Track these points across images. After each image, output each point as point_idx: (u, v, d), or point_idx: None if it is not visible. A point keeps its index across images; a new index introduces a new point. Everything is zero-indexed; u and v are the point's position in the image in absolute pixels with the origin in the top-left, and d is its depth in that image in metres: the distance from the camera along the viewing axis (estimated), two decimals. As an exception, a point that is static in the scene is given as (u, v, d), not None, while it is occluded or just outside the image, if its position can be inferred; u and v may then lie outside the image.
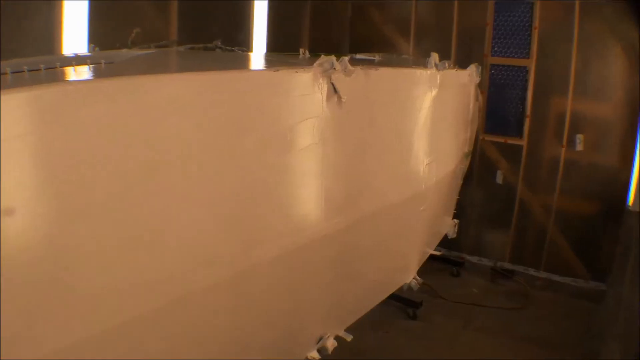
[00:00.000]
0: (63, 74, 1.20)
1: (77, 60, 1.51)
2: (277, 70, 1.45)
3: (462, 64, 3.43)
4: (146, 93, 1.10)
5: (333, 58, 1.67)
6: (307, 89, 1.59)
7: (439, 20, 5.40)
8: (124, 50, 2.26)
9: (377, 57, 2.78)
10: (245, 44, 4.54)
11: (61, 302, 1.07)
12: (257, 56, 2.72)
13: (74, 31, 3.49)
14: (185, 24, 4.02)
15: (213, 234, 1.34)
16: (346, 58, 1.72)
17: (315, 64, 1.63)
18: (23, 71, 1.18)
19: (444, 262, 5.00)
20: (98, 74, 1.25)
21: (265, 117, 1.46)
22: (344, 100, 1.71)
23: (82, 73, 1.25)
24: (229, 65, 1.83)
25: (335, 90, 1.69)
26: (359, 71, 1.78)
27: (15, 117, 0.90)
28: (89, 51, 2.77)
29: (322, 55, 1.67)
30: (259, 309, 1.63)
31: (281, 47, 4.80)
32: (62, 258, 1.03)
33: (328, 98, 1.68)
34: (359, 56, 3.04)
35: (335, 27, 5.65)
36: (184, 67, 1.77)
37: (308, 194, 1.71)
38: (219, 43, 3.59)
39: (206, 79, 1.28)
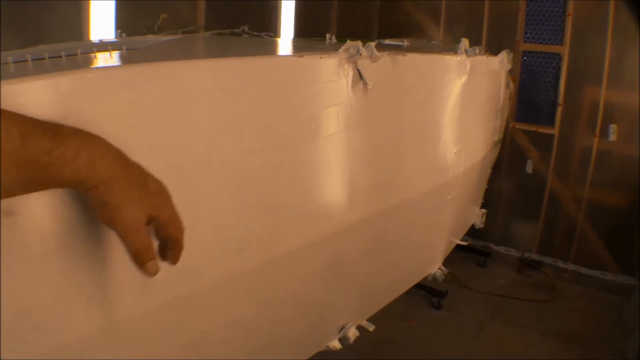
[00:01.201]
0: (84, 60, 1.19)
1: (100, 47, 1.50)
2: (302, 56, 1.42)
3: (493, 50, 3.34)
4: (169, 80, 1.08)
5: (359, 43, 1.63)
6: (332, 75, 1.55)
7: (471, 5, 5.28)
8: (150, 36, 2.26)
9: (405, 43, 2.72)
10: (273, 29, 4.51)
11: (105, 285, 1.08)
12: (284, 42, 2.68)
13: (102, 18, 3.52)
14: (212, 10, 4.01)
15: (241, 222, 1.33)
16: (373, 44, 1.68)
17: (340, 50, 1.59)
18: (44, 58, 1.17)
19: (470, 252, 4.94)
20: (119, 60, 1.24)
21: (290, 103, 1.44)
22: (369, 87, 1.67)
23: (104, 60, 1.24)
24: (252, 51, 1.80)
25: (361, 77, 1.65)
26: (385, 57, 1.74)
27: (33, 106, 0.88)
28: (116, 37, 2.77)
29: (348, 41, 1.62)
30: (284, 298, 1.63)
31: (309, 32, 4.76)
32: (100, 241, 1.03)
33: (354, 85, 1.65)
34: (387, 42, 2.98)
35: (364, 12, 5.58)
36: (208, 53, 1.75)
37: (333, 182, 1.68)
38: (247, 28, 3.57)
39: (229, 65, 1.26)
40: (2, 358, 0.89)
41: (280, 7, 4.62)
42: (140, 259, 0.89)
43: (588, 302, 4.59)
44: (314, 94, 1.49)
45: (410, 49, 2.43)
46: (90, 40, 2.31)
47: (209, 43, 2.10)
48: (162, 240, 0.97)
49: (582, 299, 4.65)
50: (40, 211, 0.90)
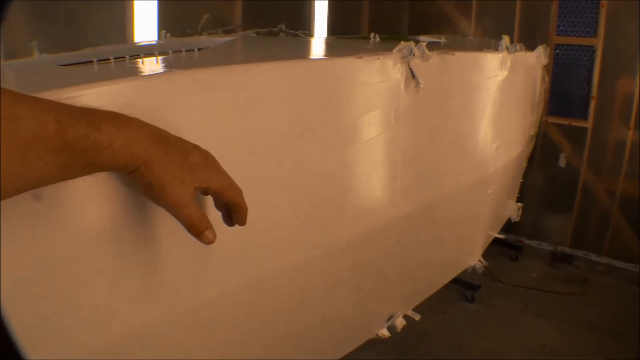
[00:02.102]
0: (165, 61, 1.28)
1: (168, 48, 1.59)
2: (361, 57, 1.49)
3: (525, 43, 3.35)
4: (243, 81, 1.16)
5: (412, 44, 1.69)
6: (388, 75, 1.62)
7: (502, -1, 5.28)
8: (203, 37, 2.35)
9: (442, 39, 2.76)
10: (306, 26, 4.58)
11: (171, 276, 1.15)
12: (329, 41, 2.75)
13: (145, 17, 3.63)
14: (248, 9, 4.10)
15: (299, 217, 1.41)
16: (424, 44, 1.74)
17: (394, 50, 1.66)
18: (123, 58, 1.25)
19: (502, 245, 4.96)
20: (196, 62, 1.32)
21: (349, 103, 1.51)
22: (421, 86, 1.73)
23: (175, 61, 1.32)
24: (313, 53, 1.88)
25: (414, 76, 1.72)
26: (435, 56, 1.80)
27: (120, 108, 0.96)
28: (162, 38, 2.86)
29: (391, 39, 1.69)
30: (341, 287, 1.71)
31: (342, 27, 4.82)
32: (167, 236, 1.10)
33: (406, 83, 1.71)
34: (422, 38, 3.02)
35: (395, 7, 5.61)
36: (272, 55, 1.83)
37: (386, 177, 1.75)
38: (284, 27, 3.64)
39: (297, 67, 1.34)
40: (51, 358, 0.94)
41: (313, 4, 4.68)
42: (195, 230, 0.91)
43: (621, 295, 4.59)
44: (371, 93, 1.56)
45: (450, 46, 2.48)
46: (146, 42, 2.41)
47: (264, 44, 2.18)
48: (225, 207, 1.00)
49: (615, 292, 4.65)
50: (89, 198, 0.96)
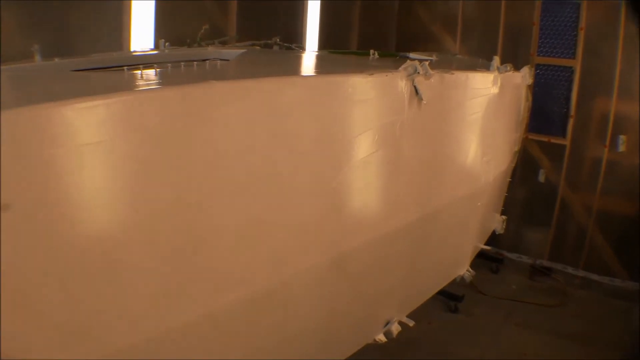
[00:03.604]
0: (192, 70, 1.35)
1: (175, 57, 1.66)
2: (372, 74, 1.59)
3: (508, 62, 3.49)
4: (275, 93, 1.25)
5: (416, 63, 1.80)
6: (395, 91, 1.72)
7: (486, 18, 5.46)
8: (211, 49, 2.42)
9: (434, 57, 2.88)
10: (298, 39, 4.67)
11: (195, 278, 1.21)
12: (332, 56, 2.85)
13: (142, 26, 3.65)
14: (242, 20, 4.16)
15: (317, 222, 1.49)
16: (427, 63, 1.84)
17: (400, 68, 1.76)
18: (152, 65, 1.31)
19: (483, 258, 5.08)
20: (222, 73, 1.40)
21: (360, 116, 1.60)
22: (424, 102, 1.83)
23: (203, 72, 1.40)
24: (326, 68, 1.97)
25: (417, 93, 1.82)
26: (436, 75, 1.90)
27: (163, 113, 1.02)
28: (159, 47, 2.92)
29: (387, 56, 1.78)
30: (342, 294, 1.78)
31: (331, 43, 4.92)
32: (198, 237, 1.17)
33: (410, 100, 1.81)
34: (413, 55, 3.14)
35: (383, 24, 5.74)
36: (288, 69, 1.92)
37: (388, 189, 1.84)
38: (278, 40, 3.72)
39: (319, 82, 1.43)
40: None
41: (305, 18, 4.78)
42: None
43: (597, 307, 4.73)
44: (380, 107, 1.65)
45: (444, 65, 2.60)
46: (165, 50, 2.46)
47: (274, 58, 2.27)
48: None
49: (592, 304, 4.79)
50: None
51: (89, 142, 0.97)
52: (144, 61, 1.37)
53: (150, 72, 1.32)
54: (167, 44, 3.10)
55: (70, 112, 0.95)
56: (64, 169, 0.96)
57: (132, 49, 3.66)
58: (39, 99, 0.99)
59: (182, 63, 1.45)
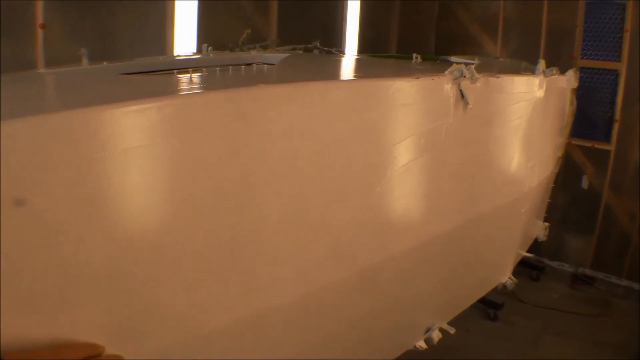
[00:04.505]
0: (232, 74, 1.36)
1: (220, 61, 1.68)
2: (418, 78, 1.57)
3: (550, 65, 3.41)
4: (322, 96, 1.25)
5: (463, 66, 1.77)
6: (441, 94, 1.70)
7: (528, 20, 5.36)
8: (255, 52, 2.44)
9: (476, 61, 2.83)
10: (337, 43, 4.68)
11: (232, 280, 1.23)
12: (376, 60, 2.84)
13: (185, 31, 3.73)
14: (283, 23, 4.20)
15: (360, 228, 1.49)
16: (472, 66, 1.82)
17: (446, 72, 1.74)
18: (201, 70, 1.33)
19: (524, 266, 4.98)
20: (266, 77, 1.41)
21: (405, 121, 1.59)
22: (470, 107, 1.80)
23: (251, 75, 1.41)
24: (371, 72, 1.97)
25: (463, 96, 1.79)
26: (482, 79, 1.88)
27: (215, 115, 1.03)
28: (203, 51, 2.96)
29: (429, 59, 1.76)
30: (385, 300, 1.77)
31: (370, 45, 4.92)
32: (254, 239, 1.18)
33: (456, 104, 1.79)
34: (454, 58, 3.10)
35: (422, 26, 5.71)
36: (332, 73, 1.92)
37: (433, 194, 1.82)
38: (318, 44, 3.73)
39: (364, 85, 1.43)
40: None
41: (345, 22, 4.78)
42: None
43: (638, 317, 4.59)
44: (426, 111, 1.63)
45: (489, 69, 2.55)
46: (209, 54, 2.50)
47: (318, 62, 2.28)
48: None
49: (634, 314, 4.65)
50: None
51: (141, 144, 0.99)
52: (192, 65, 1.39)
53: (200, 76, 1.34)
54: (210, 48, 3.14)
55: (124, 114, 0.97)
56: (119, 169, 0.98)
57: (176, 53, 3.74)
58: (94, 101, 1.02)
59: (230, 67, 1.46)
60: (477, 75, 1.81)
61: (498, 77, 2.05)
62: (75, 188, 0.90)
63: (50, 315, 0.89)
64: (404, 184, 1.69)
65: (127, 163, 0.97)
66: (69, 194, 0.89)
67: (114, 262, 0.97)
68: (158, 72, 1.66)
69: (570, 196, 5.27)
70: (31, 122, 0.85)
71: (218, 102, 1.09)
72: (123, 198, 0.99)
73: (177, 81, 1.31)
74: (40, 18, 2.89)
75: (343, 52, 4.20)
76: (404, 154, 1.61)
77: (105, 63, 2.07)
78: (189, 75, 1.35)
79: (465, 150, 1.98)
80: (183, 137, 1.03)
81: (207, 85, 1.26)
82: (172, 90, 1.21)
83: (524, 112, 2.41)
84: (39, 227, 0.85)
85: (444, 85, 1.70)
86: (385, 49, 5.10)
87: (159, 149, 1.01)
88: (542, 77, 2.51)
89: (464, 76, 1.75)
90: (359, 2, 4.74)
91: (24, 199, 0.83)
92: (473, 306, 4.19)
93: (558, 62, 4.47)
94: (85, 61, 2.11)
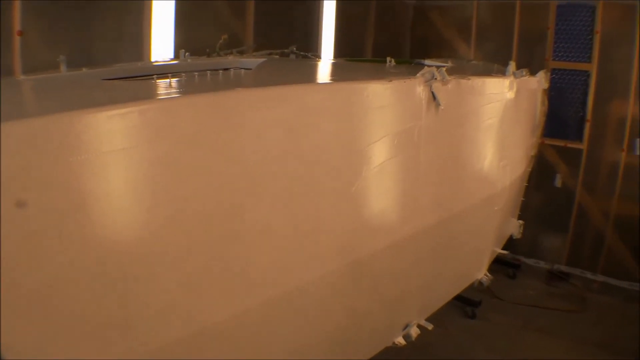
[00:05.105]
0: (211, 80, 1.39)
1: (197, 67, 1.71)
2: (391, 81, 1.62)
3: (523, 67, 3.51)
4: (300, 99, 1.29)
5: (434, 69, 1.83)
6: (413, 97, 1.75)
7: (501, 24, 5.47)
8: (232, 58, 2.47)
9: (449, 63, 2.90)
10: (313, 46, 4.72)
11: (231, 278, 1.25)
12: (351, 64, 2.89)
13: (162, 34, 3.72)
14: (259, 28, 4.22)
15: (337, 226, 1.53)
16: (444, 69, 1.88)
17: (418, 74, 1.79)
18: (182, 74, 1.36)
19: (500, 264, 5.07)
20: (246, 81, 1.45)
21: (379, 122, 1.64)
22: (442, 108, 1.86)
23: (228, 80, 1.44)
24: (347, 76, 2.02)
25: (435, 98, 1.85)
26: (453, 81, 1.93)
27: (196, 118, 1.06)
28: (181, 57, 2.98)
29: (403, 63, 1.81)
30: (366, 296, 1.81)
31: (346, 49, 4.97)
32: (233, 239, 1.21)
33: (427, 105, 1.84)
34: (428, 62, 3.17)
35: (397, 30, 5.78)
36: (308, 77, 1.96)
37: (407, 193, 1.87)
38: (294, 49, 3.77)
39: (340, 88, 1.47)
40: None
41: (321, 26, 4.83)
42: None
43: (616, 312, 4.70)
44: (399, 113, 1.68)
45: (460, 71, 2.62)
46: (187, 60, 2.52)
47: (294, 66, 2.31)
48: None
49: (611, 309, 4.76)
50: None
51: (124, 147, 1.02)
52: (171, 70, 1.42)
53: (180, 81, 1.37)
54: (187, 53, 3.15)
55: (106, 118, 1.00)
56: (100, 173, 1.01)
57: (154, 59, 3.74)
58: (80, 105, 1.04)
59: (208, 72, 1.49)
60: (448, 77, 1.86)
61: (469, 79, 2.11)
62: (63, 189, 0.92)
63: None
64: (379, 183, 1.74)
65: (115, 164, 1.00)
66: (57, 194, 0.91)
67: (100, 262, 0.99)
68: (138, 78, 1.68)
69: (544, 194, 5.38)
70: (26, 124, 0.87)
71: (198, 105, 1.12)
72: (109, 199, 1.01)
73: (158, 86, 1.33)
74: (17, 25, 2.87)
75: (319, 57, 4.24)
76: (378, 154, 1.66)
77: (84, 69, 2.08)
78: (168, 80, 1.38)
79: (439, 150, 2.04)
80: (166, 140, 1.06)
81: (187, 89, 1.29)
82: (155, 94, 1.24)
83: (496, 112, 2.48)
84: (29, 227, 0.87)
85: (416, 87, 1.75)
86: (361, 54, 5.16)
87: (145, 150, 1.04)
88: (512, 78, 2.59)
89: (436, 78, 1.81)
90: (334, 7, 4.79)
91: (25, 201, 0.85)
92: (451, 304, 4.27)
93: (530, 64, 4.58)
94: (63, 67, 2.12)
